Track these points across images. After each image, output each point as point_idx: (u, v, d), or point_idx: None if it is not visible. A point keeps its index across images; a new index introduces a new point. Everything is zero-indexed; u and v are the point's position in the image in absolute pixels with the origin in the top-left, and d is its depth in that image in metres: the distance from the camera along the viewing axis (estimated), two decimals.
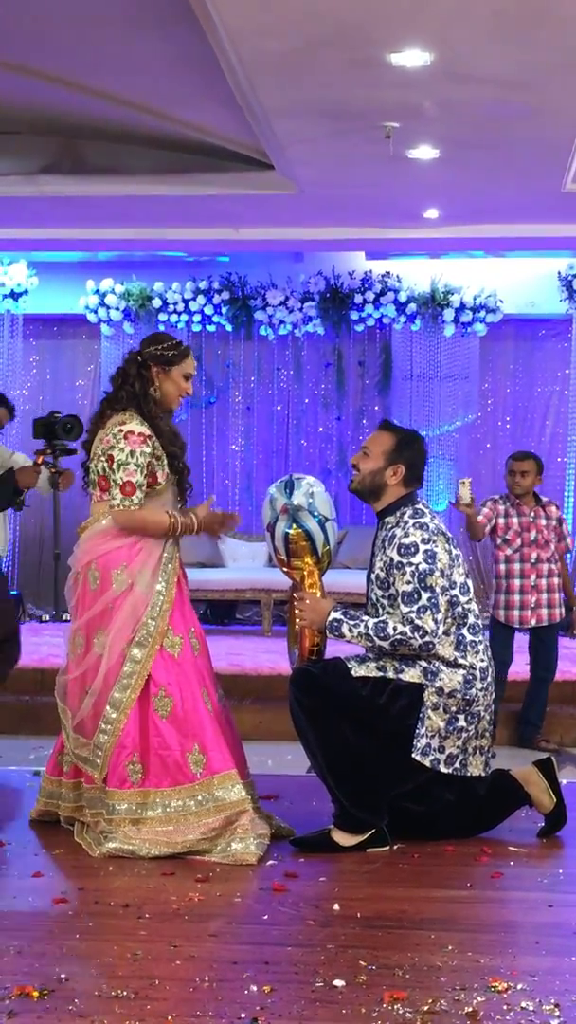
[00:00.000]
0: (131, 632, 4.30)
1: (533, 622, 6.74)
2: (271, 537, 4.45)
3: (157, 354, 4.47)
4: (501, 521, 6.73)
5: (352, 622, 4.24)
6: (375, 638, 4.20)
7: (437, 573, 4.21)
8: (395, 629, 4.18)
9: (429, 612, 4.18)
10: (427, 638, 4.17)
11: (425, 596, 4.19)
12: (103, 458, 4.37)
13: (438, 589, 4.21)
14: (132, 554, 4.35)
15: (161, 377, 4.47)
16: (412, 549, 4.23)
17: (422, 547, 4.23)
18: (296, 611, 4.38)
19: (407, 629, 4.17)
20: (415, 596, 4.20)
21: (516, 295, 10.17)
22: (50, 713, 4.93)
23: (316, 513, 4.38)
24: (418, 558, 4.22)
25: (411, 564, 4.21)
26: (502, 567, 6.75)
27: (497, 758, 4.54)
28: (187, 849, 4.17)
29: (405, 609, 4.19)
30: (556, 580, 6.76)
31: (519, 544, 6.72)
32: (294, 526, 4.36)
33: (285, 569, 4.49)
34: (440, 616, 4.20)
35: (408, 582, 4.21)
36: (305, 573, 4.41)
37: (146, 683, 4.28)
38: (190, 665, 4.34)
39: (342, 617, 4.26)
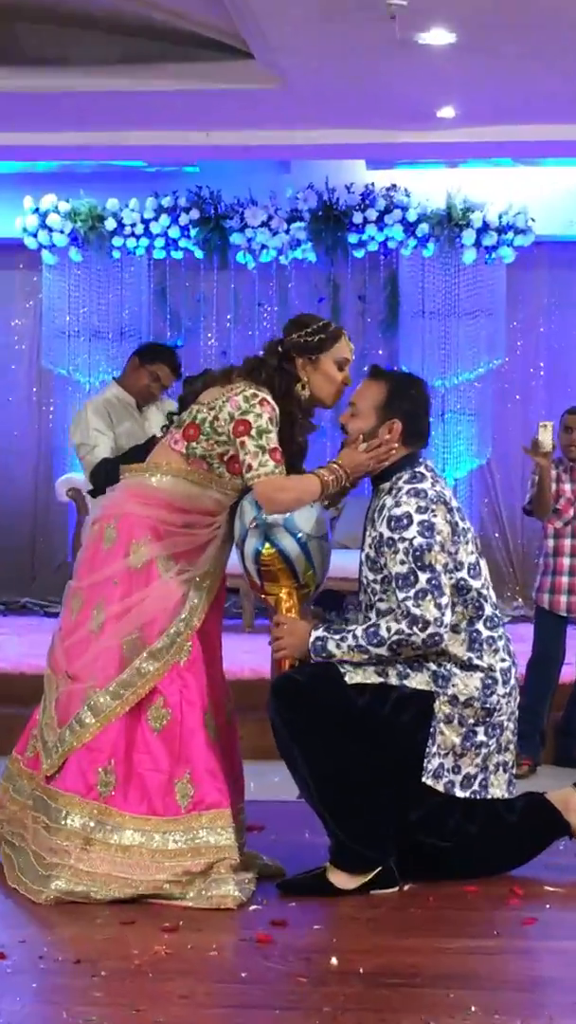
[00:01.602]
0: (139, 626, 4.34)
1: None
2: (240, 556, 4.44)
3: (301, 343, 4.47)
4: (552, 488, 6.73)
5: (338, 636, 4.24)
6: (369, 647, 4.20)
7: (436, 548, 4.21)
8: (389, 630, 4.18)
9: (430, 596, 4.18)
10: (431, 629, 4.16)
11: (423, 577, 4.19)
12: (217, 412, 4.35)
13: (439, 567, 4.20)
14: (162, 535, 4.39)
15: (308, 370, 4.48)
16: (404, 521, 4.22)
17: (416, 517, 4.22)
18: (273, 640, 4.38)
19: (403, 625, 4.16)
20: (411, 579, 4.19)
21: (551, 212, 10.16)
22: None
23: (297, 531, 4.35)
24: (411, 531, 4.21)
25: (403, 540, 4.21)
26: (551, 543, 6.77)
27: (535, 777, 4.55)
28: (152, 892, 4.18)
29: (400, 595, 4.19)
30: None
31: (572, 515, 6.73)
32: (267, 545, 4.35)
33: (259, 595, 4.51)
34: (444, 600, 4.19)
35: (402, 561, 4.20)
36: (282, 597, 4.41)
37: None
38: (197, 675, 4.37)
39: (326, 634, 4.26)
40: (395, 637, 4.17)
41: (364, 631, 4.21)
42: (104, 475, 5.85)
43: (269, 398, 4.35)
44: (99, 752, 4.27)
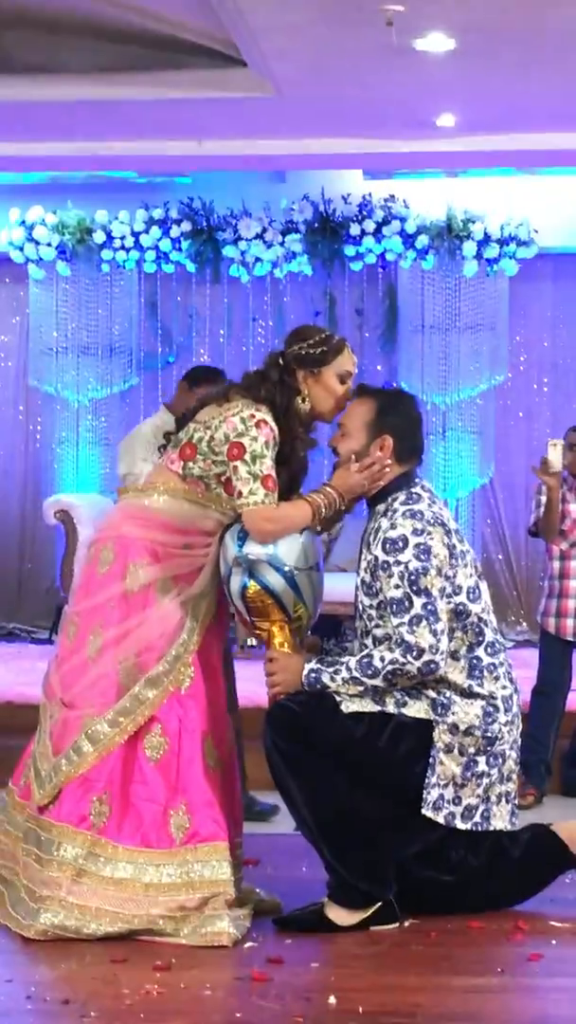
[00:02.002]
0: (136, 651, 4.34)
1: None
2: (228, 592, 4.43)
3: (303, 355, 4.49)
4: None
5: (332, 669, 4.24)
6: (363, 679, 4.20)
7: (433, 572, 4.21)
8: (383, 659, 4.18)
9: (425, 623, 4.18)
10: (426, 656, 4.16)
11: (418, 603, 4.19)
12: (213, 432, 4.36)
13: (435, 592, 4.21)
14: (160, 557, 4.40)
15: (310, 383, 4.50)
16: (400, 544, 4.23)
17: (412, 540, 4.22)
18: (267, 676, 4.37)
19: (397, 654, 4.16)
20: (405, 604, 4.19)
21: (554, 223, 10.17)
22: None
23: (282, 565, 4.34)
24: (407, 555, 4.21)
25: (399, 563, 4.21)
26: (556, 564, 6.77)
27: (541, 807, 4.54)
28: (145, 927, 4.18)
29: (395, 621, 4.19)
30: None
31: None
32: (251, 582, 4.34)
33: (251, 629, 4.52)
34: (440, 626, 4.19)
35: (397, 586, 4.21)
36: (275, 630, 4.42)
37: None
38: (199, 705, 4.37)
39: (319, 667, 4.26)
40: (389, 667, 4.17)
41: (358, 662, 4.21)
42: None
43: (268, 418, 4.36)
44: (94, 782, 4.28)
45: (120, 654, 4.35)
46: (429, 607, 4.19)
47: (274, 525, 4.31)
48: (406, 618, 4.18)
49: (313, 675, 4.25)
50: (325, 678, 4.23)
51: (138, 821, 4.27)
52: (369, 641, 4.34)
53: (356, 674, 4.20)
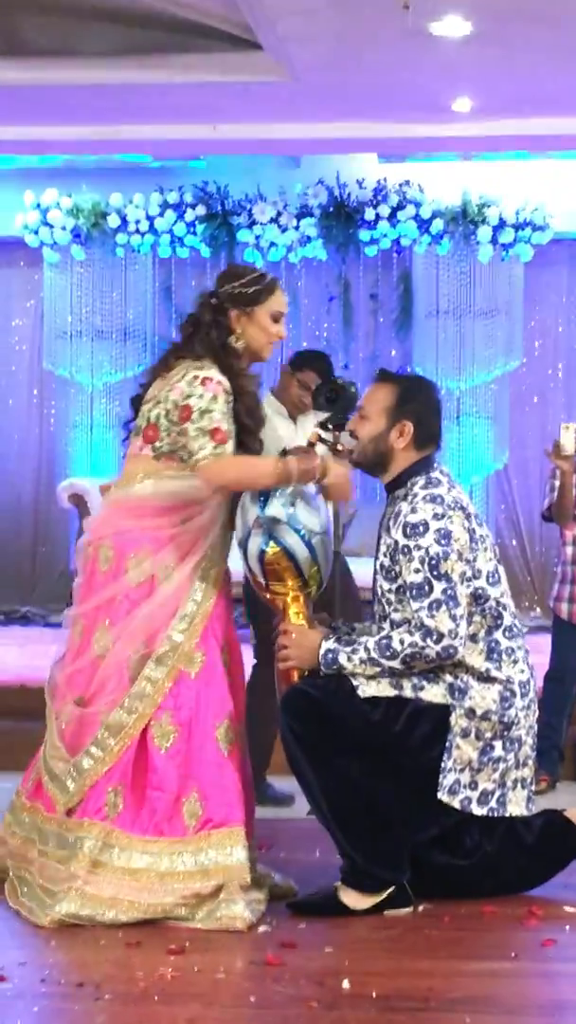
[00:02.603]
0: (145, 640, 4.34)
1: None
2: (244, 555, 4.46)
3: (235, 293, 4.49)
4: (573, 493, 6.71)
5: (349, 649, 4.24)
6: (382, 660, 4.20)
7: (453, 556, 4.21)
8: (402, 642, 4.18)
9: (444, 608, 4.18)
10: (445, 641, 4.16)
11: (439, 587, 4.19)
12: (165, 404, 4.38)
13: (455, 577, 4.21)
14: (160, 542, 4.39)
15: (243, 322, 4.50)
16: (420, 528, 4.23)
17: (433, 524, 4.22)
18: (280, 649, 4.38)
19: (417, 637, 4.16)
20: (425, 588, 4.19)
21: (570, 208, 10.14)
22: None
23: (300, 527, 4.37)
24: (428, 539, 4.21)
25: (419, 548, 4.21)
26: (570, 550, 6.76)
27: (554, 793, 4.54)
28: (161, 915, 4.18)
29: (415, 606, 4.19)
30: None
31: None
32: (271, 544, 4.36)
33: (264, 595, 4.51)
34: (460, 611, 4.19)
35: (417, 570, 4.21)
36: (289, 599, 4.43)
37: None
38: (211, 689, 4.37)
39: (337, 646, 4.26)
40: (408, 650, 4.17)
41: (376, 643, 4.20)
42: None
43: (212, 372, 4.36)
44: (109, 775, 4.28)
45: (130, 647, 4.35)
46: (449, 592, 4.19)
47: (228, 474, 4.34)
48: (425, 602, 4.18)
49: (330, 654, 4.25)
50: (342, 658, 4.23)
51: (151, 811, 4.27)
52: (387, 625, 4.33)
53: (375, 655, 4.20)
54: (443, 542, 4.21)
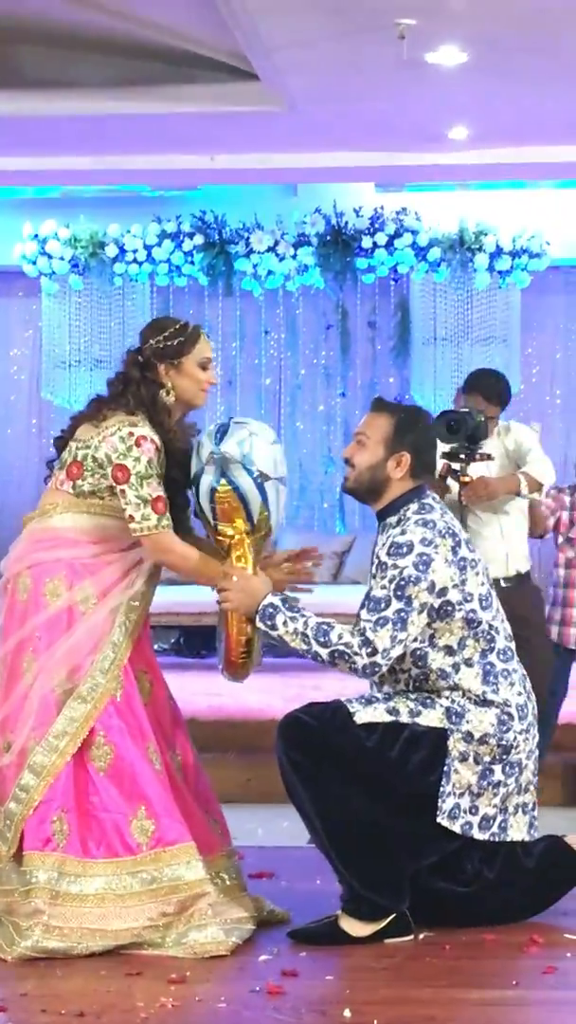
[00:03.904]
0: (67, 674, 4.30)
1: None
2: (195, 492, 4.43)
3: (161, 347, 4.46)
4: (565, 515, 6.74)
5: (291, 613, 4.22)
6: (313, 641, 4.18)
7: (423, 585, 4.19)
8: (340, 637, 4.17)
9: (390, 627, 4.16)
10: (376, 658, 4.15)
11: (395, 606, 4.17)
12: (95, 452, 4.34)
13: (416, 604, 4.19)
14: (77, 571, 4.36)
15: (172, 375, 4.46)
16: (404, 549, 4.22)
17: (417, 548, 4.22)
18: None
19: (355, 642, 4.15)
20: (382, 604, 4.18)
21: (566, 235, 10.19)
22: None
23: (253, 468, 4.34)
24: (407, 560, 4.21)
25: (396, 567, 4.20)
26: (562, 572, 6.77)
27: (549, 818, 4.54)
28: (132, 940, 4.16)
29: (365, 615, 4.19)
30: None
31: None
32: (222, 481, 4.34)
33: (210, 535, 4.49)
34: (402, 636, 4.17)
35: (383, 587, 4.20)
36: (233, 542, 4.40)
37: None
38: (134, 712, 4.34)
39: (279, 604, 4.25)
40: (340, 647, 4.15)
41: (317, 626, 4.18)
42: None
43: (146, 431, 4.32)
44: (49, 803, 4.22)
45: (54, 678, 4.29)
46: (402, 614, 4.18)
47: (168, 557, 4.36)
48: (375, 617, 4.17)
49: (270, 608, 4.22)
50: (279, 619, 4.21)
51: (100, 833, 4.23)
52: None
53: (309, 633, 4.18)
54: (421, 567, 4.20)
